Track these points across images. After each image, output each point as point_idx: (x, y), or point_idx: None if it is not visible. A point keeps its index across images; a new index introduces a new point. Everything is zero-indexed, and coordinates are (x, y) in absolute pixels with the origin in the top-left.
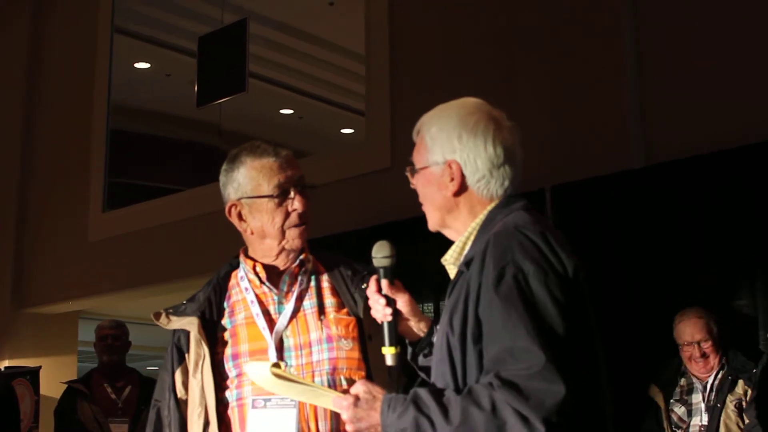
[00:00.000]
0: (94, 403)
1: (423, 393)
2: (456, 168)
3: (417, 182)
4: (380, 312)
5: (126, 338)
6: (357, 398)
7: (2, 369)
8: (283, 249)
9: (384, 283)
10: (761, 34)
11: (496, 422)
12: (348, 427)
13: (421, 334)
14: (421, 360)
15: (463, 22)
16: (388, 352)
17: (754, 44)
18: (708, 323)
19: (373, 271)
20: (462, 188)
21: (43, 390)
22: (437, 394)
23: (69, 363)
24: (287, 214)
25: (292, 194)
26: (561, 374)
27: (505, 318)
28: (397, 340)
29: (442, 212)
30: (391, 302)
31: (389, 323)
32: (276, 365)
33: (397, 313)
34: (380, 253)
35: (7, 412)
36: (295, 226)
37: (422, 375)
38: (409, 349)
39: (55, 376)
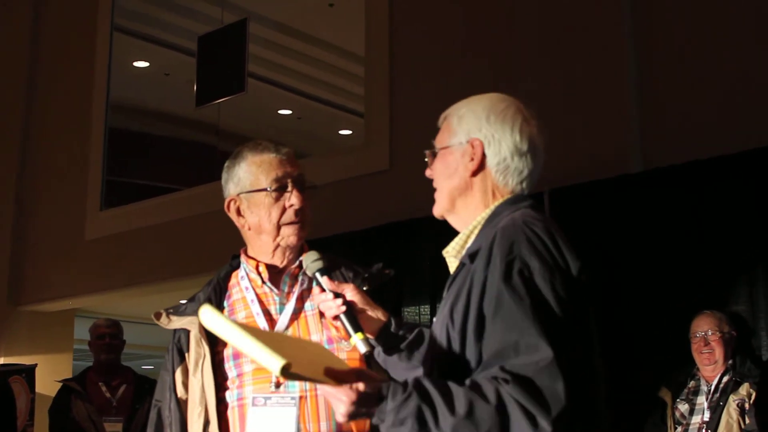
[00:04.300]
0: (89, 402)
1: (426, 381)
2: (478, 145)
3: (435, 165)
4: (332, 307)
5: (122, 337)
6: (359, 394)
7: None
8: (278, 246)
9: (324, 280)
10: (759, 39)
11: (501, 417)
12: (340, 418)
13: (382, 321)
14: (381, 355)
15: (462, 25)
16: (358, 338)
17: (752, 50)
18: (719, 320)
19: (374, 273)
20: (480, 168)
21: (39, 388)
22: (440, 383)
23: (64, 361)
24: (283, 210)
25: (289, 188)
26: (567, 373)
27: (512, 313)
28: (360, 326)
29: (454, 195)
30: (338, 296)
31: (345, 314)
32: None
33: (349, 305)
34: (309, 259)
35: (4, 409)
36: (291, 223)
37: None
38: (378, 350)
39: (50, 374)
